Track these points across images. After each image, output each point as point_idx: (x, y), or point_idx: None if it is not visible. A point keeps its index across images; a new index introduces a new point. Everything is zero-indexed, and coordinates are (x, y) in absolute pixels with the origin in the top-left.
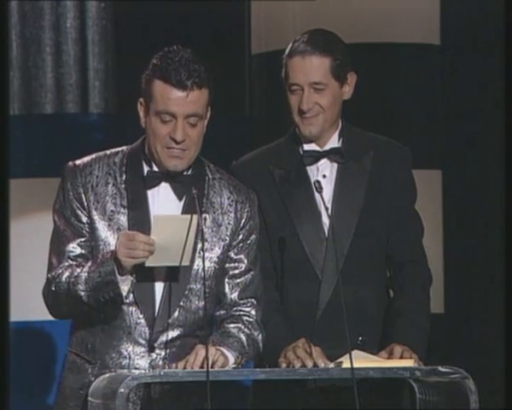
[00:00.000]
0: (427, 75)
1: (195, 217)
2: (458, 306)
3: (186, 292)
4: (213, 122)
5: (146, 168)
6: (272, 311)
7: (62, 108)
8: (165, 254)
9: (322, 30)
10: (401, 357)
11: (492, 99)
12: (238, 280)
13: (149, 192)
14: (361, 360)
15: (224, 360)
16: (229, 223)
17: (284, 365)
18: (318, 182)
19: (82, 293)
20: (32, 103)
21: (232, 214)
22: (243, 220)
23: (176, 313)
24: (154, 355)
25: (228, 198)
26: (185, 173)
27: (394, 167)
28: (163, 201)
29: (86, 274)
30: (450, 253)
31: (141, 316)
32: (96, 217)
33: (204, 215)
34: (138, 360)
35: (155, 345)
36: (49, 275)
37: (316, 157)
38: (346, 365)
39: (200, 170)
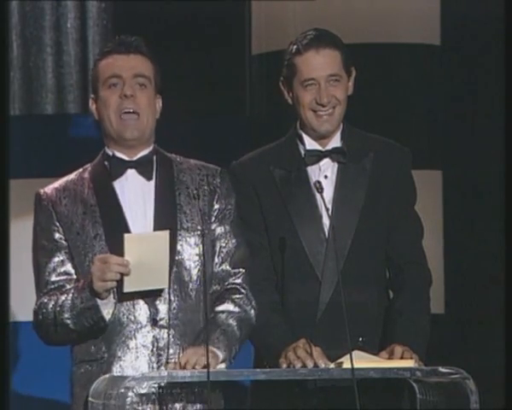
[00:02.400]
0: (427, 75)
1: (166, 234)
2: (458, 306)
3: (175, 263)
4: (213, 122)
5: (108, 163)
6: (271, 311)
7: (63, 108)
8: (142, 277)
9: (320, 28)
10: (401, 357)
11: (492, 99)
12: (225, 250)
13: (117, 182)
14: (361, 361)
15: (211, 359)
16: (204, 194)
17: (285, 365)
18: (319, 182)
19: (68, 321)
20: (32, 103)
21: (205, 187)
22: (218, 189)
23: (169, 282)
24: (157, 329)
25: (198, 174)
26: (147, 153)
27: (394, 169)
28: (132, 186)
29: (70, 302)
30: (450, 253)
31: (126, 311)
32: (67, 226)
33: (177, 192)
34: (144, 338)
35: (157, 318)
36: (35, 306)
37: (318, 157)
38: (347, 365)
39: (163, 155)
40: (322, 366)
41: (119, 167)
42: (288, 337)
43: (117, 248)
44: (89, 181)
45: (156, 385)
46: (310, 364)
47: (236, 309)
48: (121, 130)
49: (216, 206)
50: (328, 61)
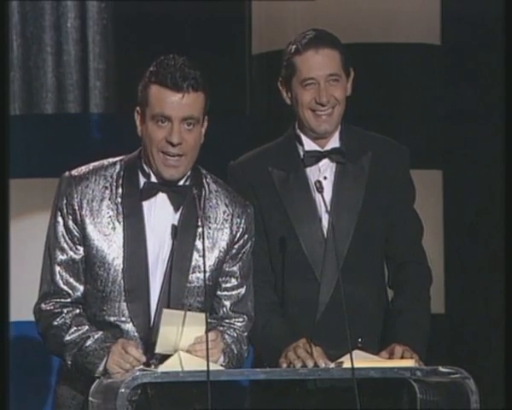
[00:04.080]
0: (427, 75)
1: (202, 316)
2: (458, 306)
3: (179, 307)
4: (214, 122)
5: (142, 180)
6: (270, 312)
7: (63, 107)
8: (162, 344)
9: (319, 28)
10: (402, 357)
11: (492, 99)
12: (231, 293)
13: (146, 203)
14: (362, 361)
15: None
16: (223, 239)
17: (285, 365)
18: (319, 182)
19: (68, 358)
20: (32, 103)
21: (227, 230)
22: (238, 235)
23: None
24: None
25: (224, 213)
26: (182, 183)
27: (393, 168)
28: (159, 211)
29: (74, 352)
30: (451, 253)
31: (135, 332)
32: (90, 233)
33: (199, 230)
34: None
35: (150, 360)
36: (36, 306)
37: (317, 157)
38: (347, 365)
39: (198, 181)
40: (323, 365)
41: (152, 190)
42: (287, 337)
43: (129, 275)
44: (120, 187)
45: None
46: (310, 363)
47: (237, 342)
48: (162, 169)
49: (233, 247)
50: (327, 60)
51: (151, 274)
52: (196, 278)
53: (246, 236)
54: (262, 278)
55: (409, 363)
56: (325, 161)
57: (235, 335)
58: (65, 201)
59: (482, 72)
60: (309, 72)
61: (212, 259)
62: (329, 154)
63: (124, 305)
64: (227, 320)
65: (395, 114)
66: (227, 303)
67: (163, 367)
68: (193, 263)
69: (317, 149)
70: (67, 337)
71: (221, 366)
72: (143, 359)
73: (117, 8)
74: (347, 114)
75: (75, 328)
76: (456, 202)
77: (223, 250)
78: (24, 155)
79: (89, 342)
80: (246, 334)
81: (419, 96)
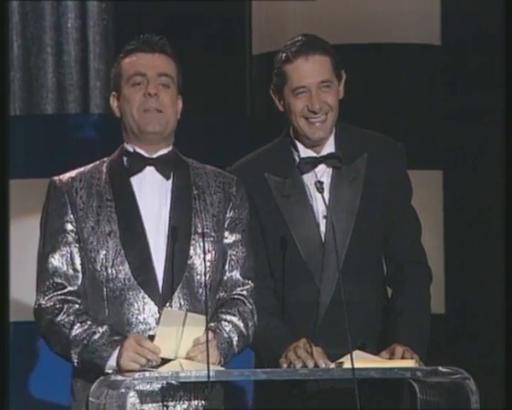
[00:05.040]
0: (427, 75)
1: (203, 319)
2: (458, 306)
3: (186, 273)
4: (214, 122)
5: (126, 159)
6: (270, 316)
7: (63, 108)
8: (162, 346)
9: (308, 34)
10: (402, 357)
11: (492, 99)
12: (235, 258)
13: (134, 179)
14: (362, 361)
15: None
16: (219, 201)
17: (285, 365)
18: (320, 183)
19: (74, 356)
20: (32, 103)
21: (221, 194)
22: (233, 197)
23: (180, 285)
24: None
25: (215, 180)
26: (166, 152)
27: (389, 167)
28: (149, 183)
29: (80, 349)
30: (451, 253)
31: (146, 297)
32: (83, 219)
33: (194, 192)
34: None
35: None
36: (35, 305)
37: (313, 163)
38: (347, 365)
39: (180, 157)
40: (323, 365)
41: (138, 164)
42: (288, 339)
43: (130, 246)
44: (106, 175)
45: (158, 385)
46: (310, 364)
47: (240, 323)
48: (143, 123)
49: (229, 214)
50: (318, 67)
51: (153, 247)
52: (198, 240)
53: (239, 202)
54: (261, 283)
55: (409, 363)
56: (321, 166)
57: (238, 314)
58: (54, 196)
59: (482, 71)
60: (300, 80)
61: (211, 222)
62: (325, 159)
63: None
64: (234, 291)
65: (395, 114)
66: (234, 268)
67: (164, 368)
68: (192, 228)
69: (313, 154)
70: (72, 334)
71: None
72: (158, 350)
73: (117, 9)
74: (347, 114)
75: (79, 324)
76: (456, 202)
77: (221, 211)
78: (24, 155)
79: (95, 337)
80: (251, 303)
81: (419, 96)
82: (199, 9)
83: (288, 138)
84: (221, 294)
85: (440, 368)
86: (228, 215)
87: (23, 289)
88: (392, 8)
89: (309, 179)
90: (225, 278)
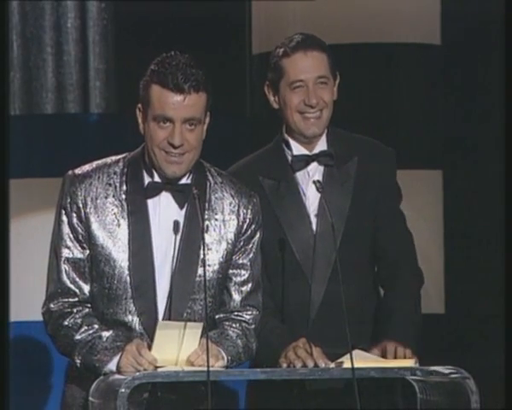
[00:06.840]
0: (427, 75)
1: (199, 326)
2: (458, 306)
3: (189, 303)
4: (214, 123)
5: (147, 178)
6: (267, 316)
7: (63, 108)
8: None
9: (305, 32)
10: (395, 355)
11: (492, 99)
12: (242, 286)
13: (150, 202)
14: (362, 360)
15: (222, 361)
16: (230, 230)
17: (285, 365)
18: (319, 182)
19: (77, 357)
20: (32, 103)
21: (234, 221)
22: (245, 225)
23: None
24: None
25: (230, 204)
26: (185, 181)
27: (379, 171)
28: (165, 209)
29: (84, 351)
30: (451, 253)
31: (142, 329)
32: (95, 230)
33: (206, 224)
34: None
35: None
36: (43, 307)
37: (306, 161)
38: (347, 365)
39: (201, 175)
40: (323, 365)
41: (155, 189)
42: (286, 338)
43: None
44: (125, 181)
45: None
46: (310, 363)
47: (244, 337)
48: (164, 167)
49: (241, 238)
50: (316, 62)
51: (158, 271)
52: (202, 272)
53: (253, 226)
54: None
55: (409, 363)
56: (313, 165)
57: (241, 328)
58: (69, 199)
59: (482, 72)
60: (298, 74)
61: (220, 251)
62: (318, 157)
63: (130, 302)
64: (236, 313)
65: (395, 114)
66: (237, 296)
67: (163, 368)
68: (201, 257)
69: (305, 152)
70: (78, 337)
71: (227, 362)
72: (156, 363)
73: (117, 9)
74: (347, 114)
75: (86, 327)
76: (456, 202)
77: (230, 242)
78: (24, 155)
79: (99, 341)
80: (254, 326)
81: (419, 96)
82: (199, 9)
83: (281, 139)
84: (221, 315)
85: (440, 368)
86: (239, 239)
87: (23, 290)
88: (391, 8)
89: (301, 178)
90: (228, 305)
